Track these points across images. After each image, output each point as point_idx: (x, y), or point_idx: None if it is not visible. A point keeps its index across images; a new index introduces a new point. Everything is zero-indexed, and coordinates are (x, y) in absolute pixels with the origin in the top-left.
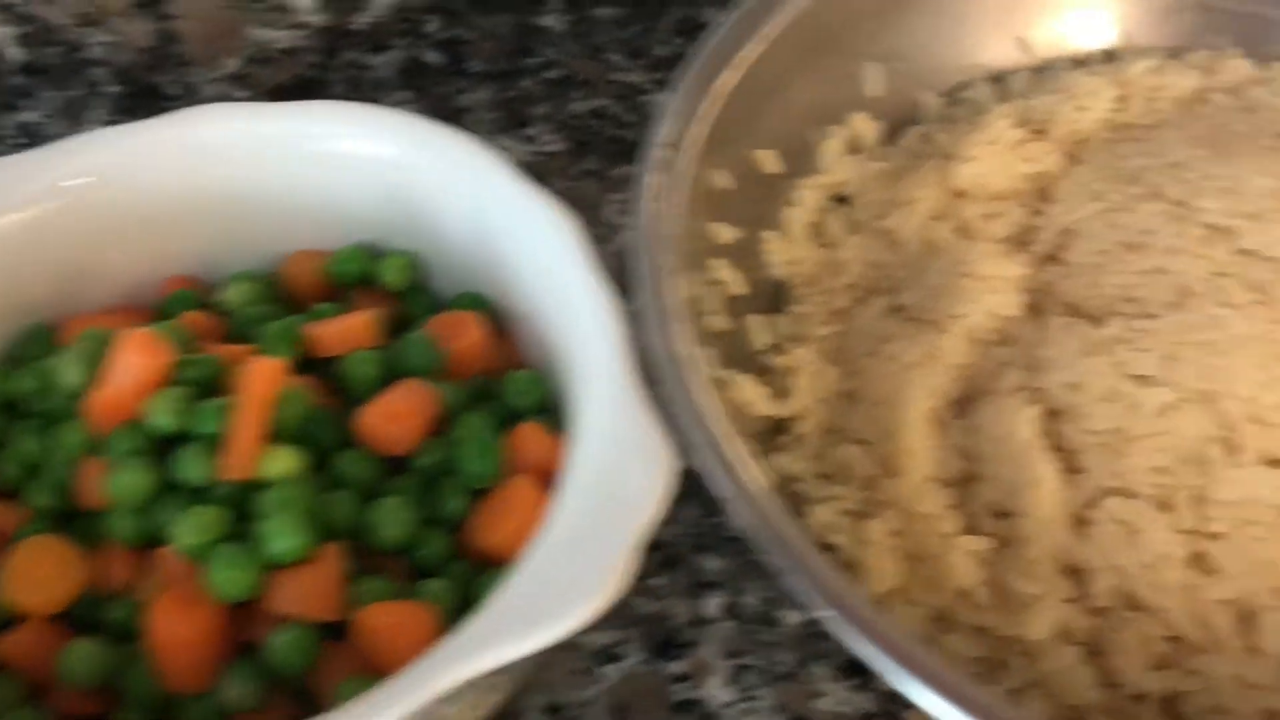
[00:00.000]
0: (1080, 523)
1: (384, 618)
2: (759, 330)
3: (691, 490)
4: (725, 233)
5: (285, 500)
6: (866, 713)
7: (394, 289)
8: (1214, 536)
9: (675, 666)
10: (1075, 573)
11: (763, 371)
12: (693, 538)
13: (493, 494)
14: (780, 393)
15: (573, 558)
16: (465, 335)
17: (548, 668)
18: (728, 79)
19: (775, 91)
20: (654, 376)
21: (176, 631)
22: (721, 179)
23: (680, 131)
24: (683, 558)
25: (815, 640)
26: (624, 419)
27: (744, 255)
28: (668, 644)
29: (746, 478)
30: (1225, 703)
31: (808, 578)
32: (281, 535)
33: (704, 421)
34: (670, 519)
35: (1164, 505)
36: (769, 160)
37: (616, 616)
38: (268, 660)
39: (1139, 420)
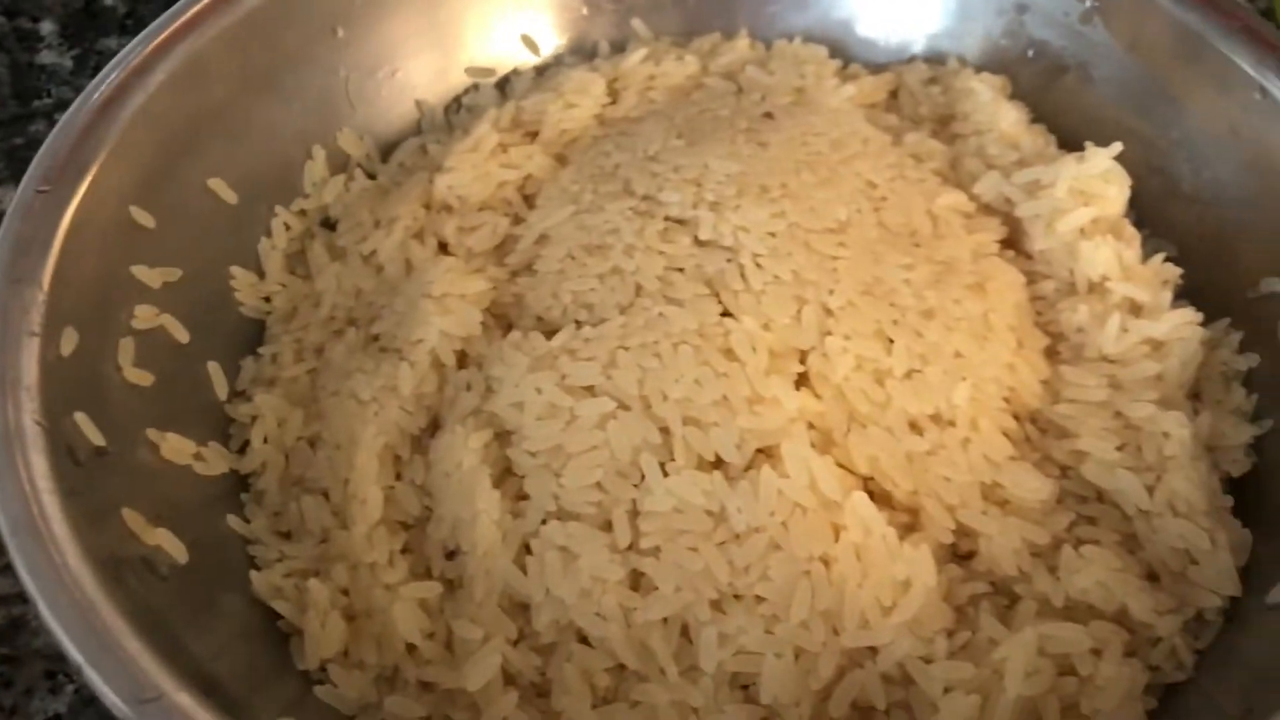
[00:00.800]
0: (525, 553)
1: None
2: (218, 379)
3: None
4: (155, 275)
5: None
6: None
7: None
8: (649, 552)
9: None
10: (522, 610)
11: (227, 424)
12: None
13: None
14: (244, 447)
15: None
16: None
17: None
18: (137, 104)
19: (225, 113)
20: None
21: None
22: (143, 216)
23: (64, 169)
24: None
25: None
26: None
27: (198, 299)
28: None
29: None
30: None
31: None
32: None
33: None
34: None
35: (601, 524)
36: (223, 190)
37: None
38: None
39: (577, 435)
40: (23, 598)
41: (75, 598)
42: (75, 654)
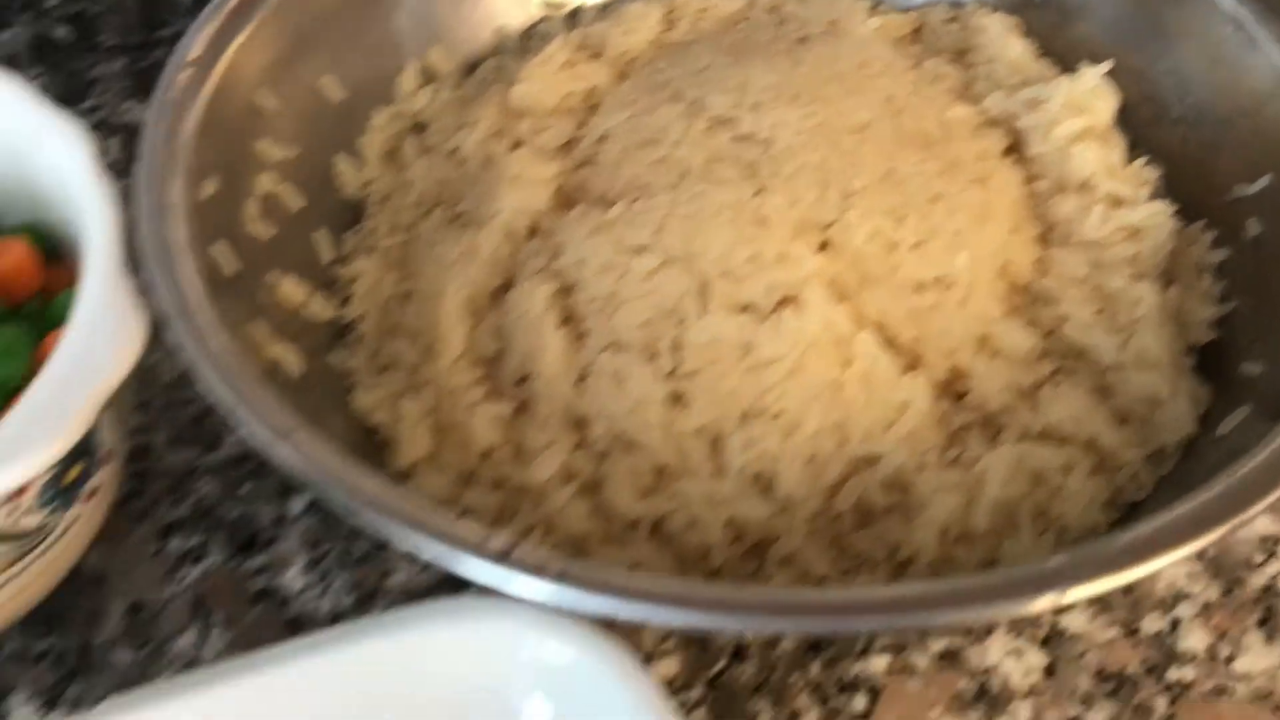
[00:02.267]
0: (582, 379)
1: None
2: (324, 244)
3: None
4: (276, 150)
5: None
6: (430, 585)
7: None
8: (688, 375)
9: (256, 561)
10: (580, 424)
11: (331, 282)
12: None
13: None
14: (346, 301)
15: (40, 413)
16: (4, 257)
17: (127, 573)
18: (272, 3)
19: (333, 21)
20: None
21: None
22: (267, 100)
23: (210, 53)
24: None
25: None
26: (105, 302)
27: (310, 175)
28: (250, 542)
29: (213, 343)
30: (699, 518)
31: (257, 423)
32: None
33: (176, 292)
34: None
35: (649, 355)
36: (332, 87)
37: (200, 520)
38: None
39: (630, 284)
40: None
41: (224, 363)
42: (227, 397)
